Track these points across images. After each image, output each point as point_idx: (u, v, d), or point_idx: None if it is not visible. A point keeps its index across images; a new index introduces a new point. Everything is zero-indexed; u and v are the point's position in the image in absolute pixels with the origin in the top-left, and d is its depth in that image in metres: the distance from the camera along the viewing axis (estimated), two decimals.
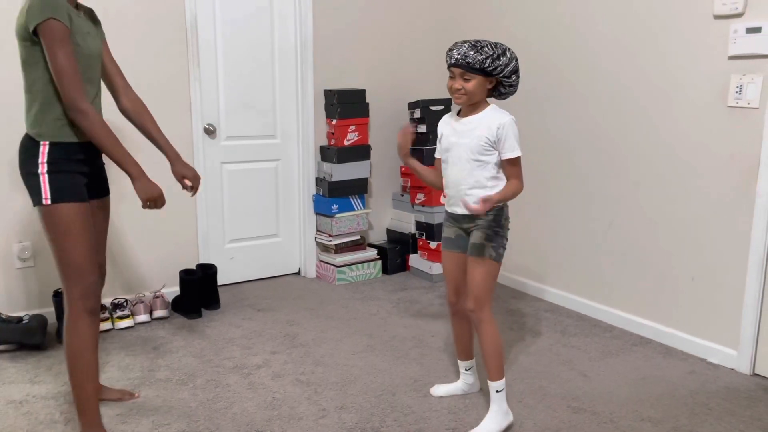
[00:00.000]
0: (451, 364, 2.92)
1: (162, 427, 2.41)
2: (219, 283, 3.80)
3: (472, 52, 2.20)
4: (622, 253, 3.38)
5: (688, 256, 3.07)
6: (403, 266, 4.39)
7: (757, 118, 2.75)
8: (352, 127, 4.06)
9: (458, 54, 2.22)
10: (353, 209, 4.16)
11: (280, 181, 4.15)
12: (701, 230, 3.01)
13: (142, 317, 3.40)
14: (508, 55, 2.25)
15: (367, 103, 4.13)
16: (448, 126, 2.40)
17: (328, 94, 4.07)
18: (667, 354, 3.07)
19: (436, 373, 2.85)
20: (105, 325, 3.28)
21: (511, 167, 2.30)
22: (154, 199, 2.19)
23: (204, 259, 3.85)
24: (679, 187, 3.08)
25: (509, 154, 2.27)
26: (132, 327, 3.36)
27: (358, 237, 4.24)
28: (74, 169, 2.17)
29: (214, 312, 3.60)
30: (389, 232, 4.51)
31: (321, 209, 4.15)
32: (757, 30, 2.70)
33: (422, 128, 4.19)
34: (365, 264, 4.21)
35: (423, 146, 4.19)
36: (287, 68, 4.05)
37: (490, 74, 2.23)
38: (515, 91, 2.36)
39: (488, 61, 2.20)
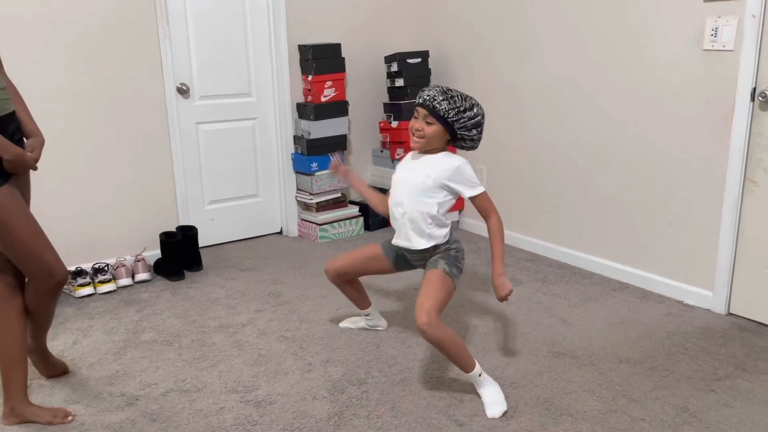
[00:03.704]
0: None
1: (149, 387, 2.43)
2: (201, 244, 3.79)
3: (440, 98, 2.22)
4: (600, 200, 3.41)
5: (665, 201, 3.10)
6: (385, 222, 4.39)
7: (732, 61, 2.75)
8: (329, 83, 4.00)
9: (428, 95, 2.25)
10: None
11: (257, 140, 4.10)
12: (677, 175, 3.04)
13: (125, 281, 3.39)
14: (475, 110, 2.26)
15: (343, 58, 4.06)
16: (404, 162, 2.45)
17: (303, 49, 3.99)
18: (644, 298, 3.14)
19: None
20: (87, 290, 3.27)
21: (481, 202, 2.32)
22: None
23: (184, 221, 3.82)
24: (655, 131, 3.09)
25: (472, 192, 2.29)
26: (114, 291, 3.35)
27: (339, 194, 4.23)
28: None
29: (196, 273, 3.59)
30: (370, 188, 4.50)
31: (300, 167, 4.12)
32: None
33: (399, 82, 4.15)
34: (347, 221, 4.21)
35: (401, 100, 4.16)
36: (259, 22, 3.96)
37: (451, 126, 2.25)
38: (476, 147, 2.35)
39: (453, 112, 2.22)
